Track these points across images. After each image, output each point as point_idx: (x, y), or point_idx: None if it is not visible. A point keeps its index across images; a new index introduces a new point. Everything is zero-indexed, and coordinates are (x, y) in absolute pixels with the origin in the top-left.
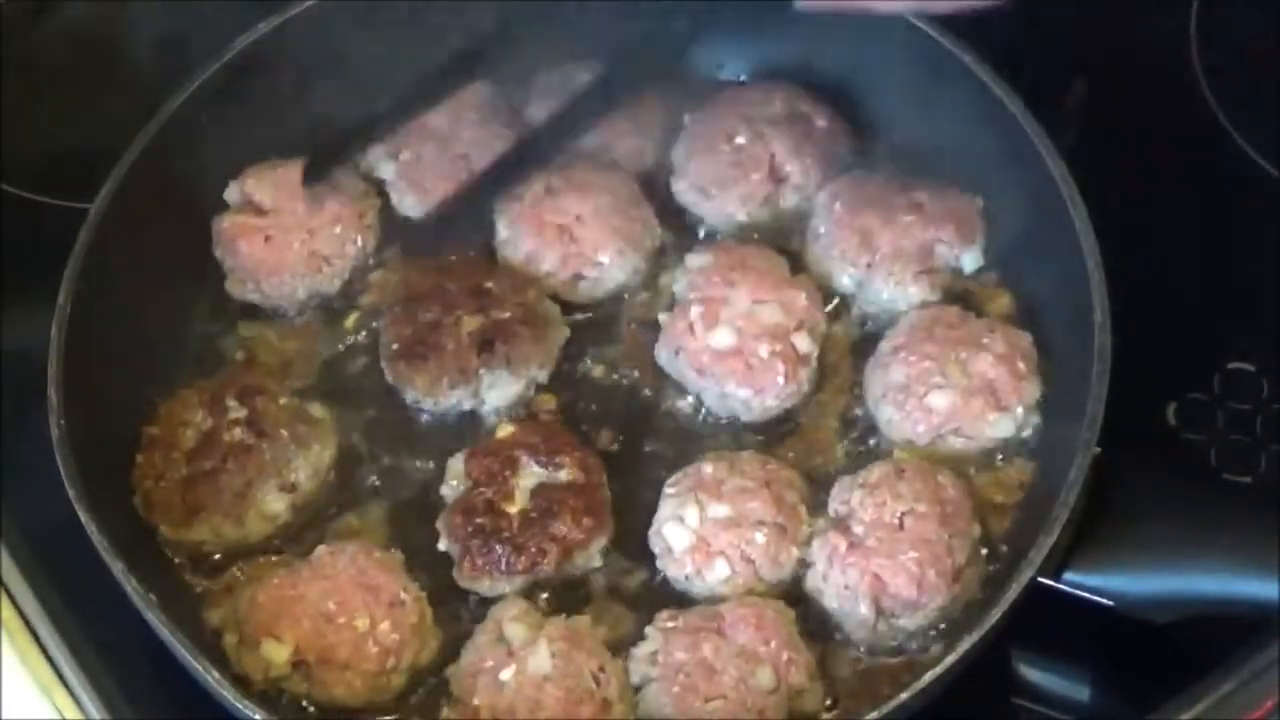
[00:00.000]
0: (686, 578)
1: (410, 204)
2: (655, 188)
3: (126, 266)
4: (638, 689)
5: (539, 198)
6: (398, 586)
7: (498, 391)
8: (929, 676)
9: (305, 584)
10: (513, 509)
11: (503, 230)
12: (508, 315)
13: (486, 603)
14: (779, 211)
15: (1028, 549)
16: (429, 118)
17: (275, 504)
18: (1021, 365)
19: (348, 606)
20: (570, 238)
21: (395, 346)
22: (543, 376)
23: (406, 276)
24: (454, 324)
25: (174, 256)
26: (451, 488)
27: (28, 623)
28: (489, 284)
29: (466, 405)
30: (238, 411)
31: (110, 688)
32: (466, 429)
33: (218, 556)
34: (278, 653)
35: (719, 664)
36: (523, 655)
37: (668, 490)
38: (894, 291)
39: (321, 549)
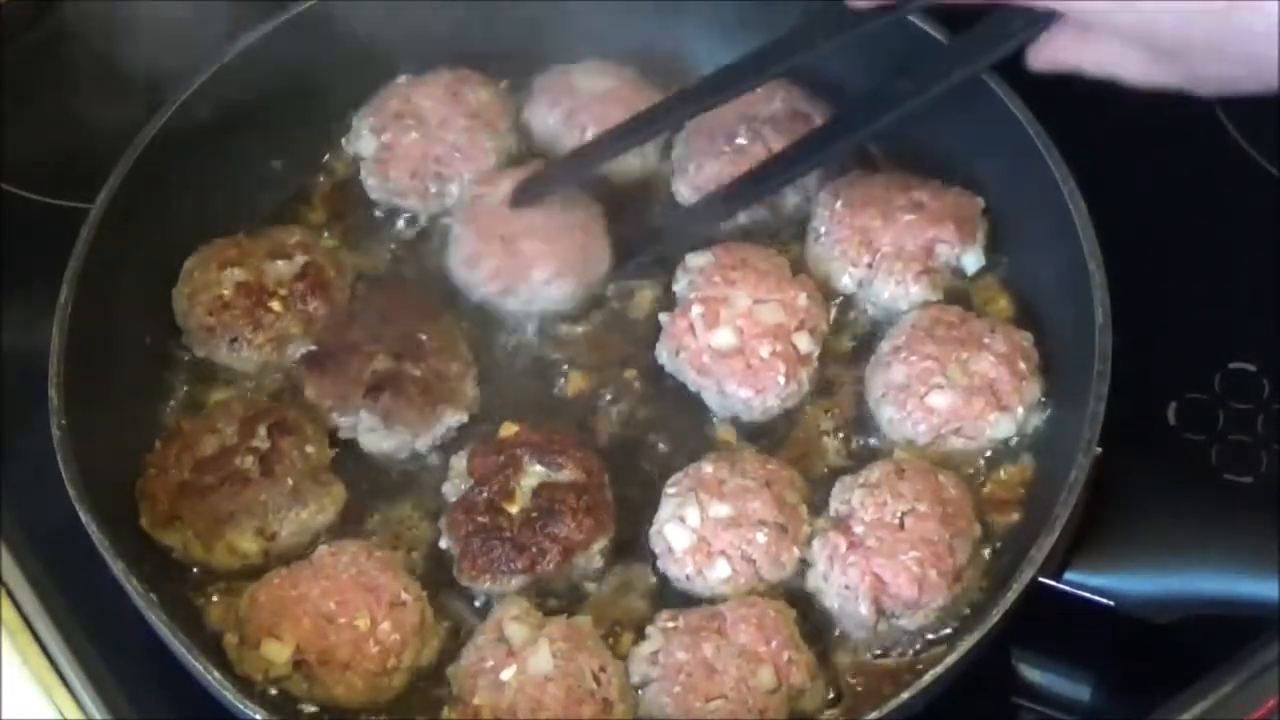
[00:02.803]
0: (687, 577)
1: (373, 185)
2: (655, 188)
3: (127, 266)
4: (638, 689)
5: (498, 205)
6: (399, 586)
7: (372, 438)
8: (929, 676)
9: (306, 584)
10: (514, 508)
11: (455, 227)
12: (416, 374)
13: (488, 602)
14: (779, 211)
15: (1028, 549)
16: (424, 105)
17: (248, 544)
18: (1022, 365)
19: (349, 606)
20: (511, 250)
21: (313, 348)
22: (421, 446)
23: (373, 291)
24: (368, 355)
25: (174, 256)
26: (453, 486)
27: (28, 623)
28: (424, 335)
29: (351, 435)
30: (262, 442)
31: (110, 688)
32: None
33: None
34: (279, 653)
35: (720, 664)
36: (524, 655)
37: (668, 490)
38: (895, 291)
39: (322, 549)
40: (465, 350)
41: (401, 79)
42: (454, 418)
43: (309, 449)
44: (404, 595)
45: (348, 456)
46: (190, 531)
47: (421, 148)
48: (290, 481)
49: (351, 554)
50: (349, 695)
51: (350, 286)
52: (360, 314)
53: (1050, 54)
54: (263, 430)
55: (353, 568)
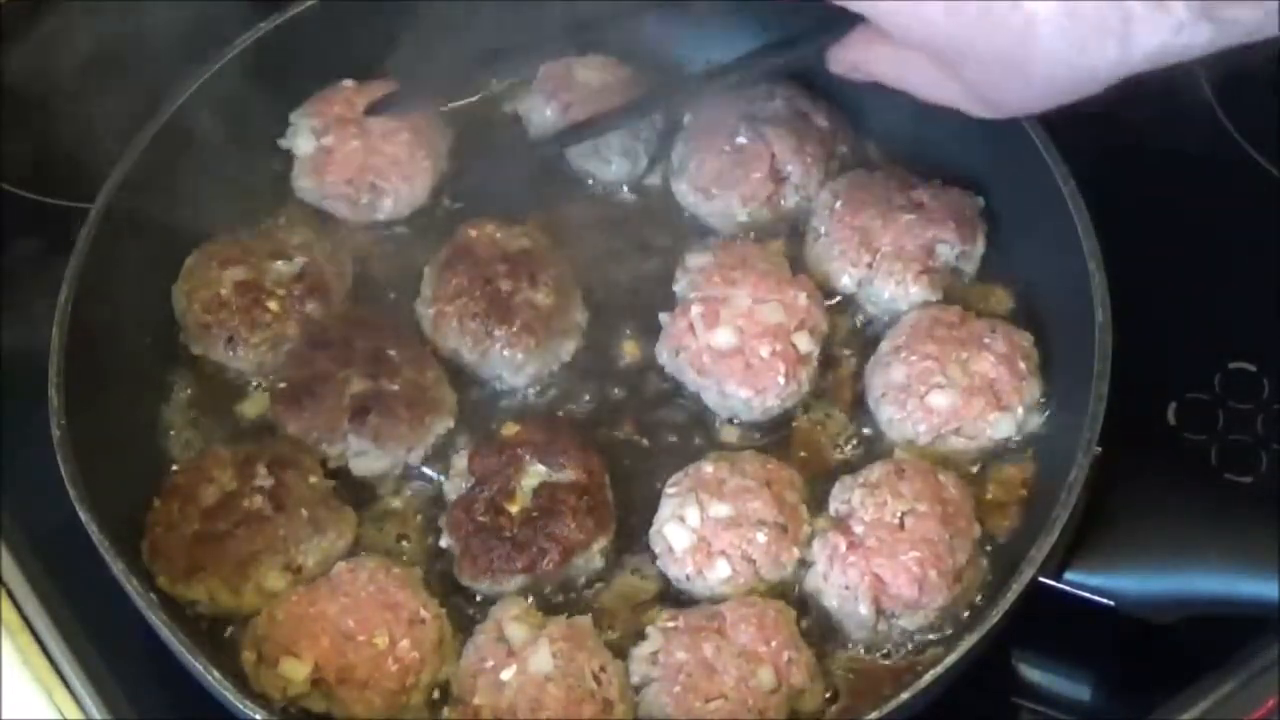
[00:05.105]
0: (687, 577)
1: (304, 186)
2: (650, 189)
3: (127, 265)
4: (638, 689)
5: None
6: (417, 604)
7: (363, 461)
8: (929, 676)
9: (324, 601)
10: (514, 508)
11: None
12: (395, 389)
13: (489, 602)
14: (779, 211)
15: (1028, 549)
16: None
17: (275, 580)
18: (1022, 365)
19: (367, 624)
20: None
21: (282, 386)
22: (413, 459)
23: (322, 315)
24: (342, 381)
25: (174, 256)
26: (454, 485)
27: (28, 623)
28: (392, 351)
29: (341, 463)
30: (264, 480)
31: (110, 688)
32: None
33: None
34: (297, 671)
35: (720, 664)
36: (524, 655)
37: (668, 490)
38: (895, 291)
39: (340, 565)
40: (433, 358)
41: (347, 83)
42: (442, 425)
43: (312, 479)
44: (423, 613)
45: (339, 485)
46: (216, 579)
47: (361, 156)
48: (305, 512)
49: (370, 571)
50: (368, 713)
51: (349, 289)
52: (322, 343)
53: (845, 57)
54: (262, 469)
55: (371, 585)
